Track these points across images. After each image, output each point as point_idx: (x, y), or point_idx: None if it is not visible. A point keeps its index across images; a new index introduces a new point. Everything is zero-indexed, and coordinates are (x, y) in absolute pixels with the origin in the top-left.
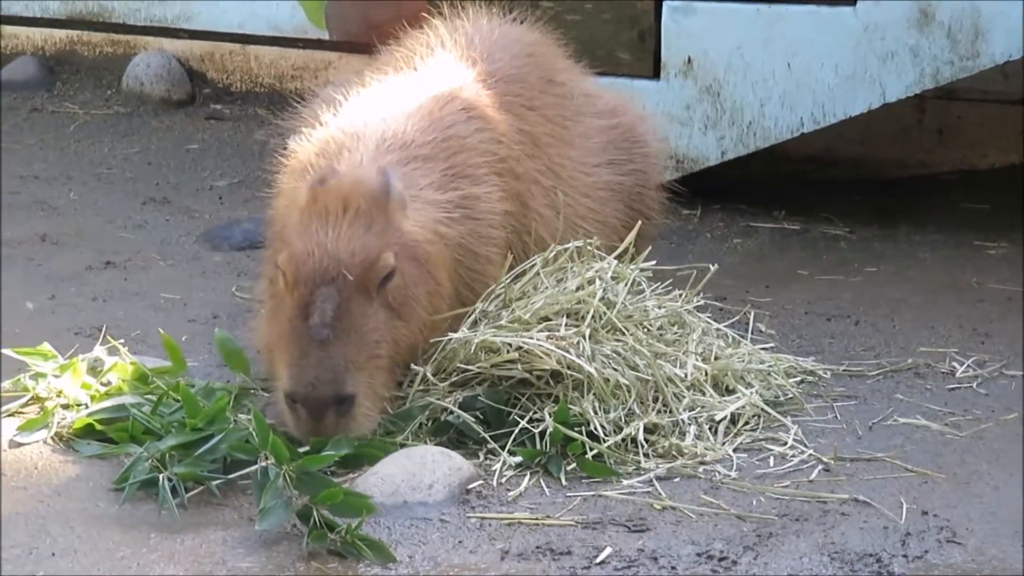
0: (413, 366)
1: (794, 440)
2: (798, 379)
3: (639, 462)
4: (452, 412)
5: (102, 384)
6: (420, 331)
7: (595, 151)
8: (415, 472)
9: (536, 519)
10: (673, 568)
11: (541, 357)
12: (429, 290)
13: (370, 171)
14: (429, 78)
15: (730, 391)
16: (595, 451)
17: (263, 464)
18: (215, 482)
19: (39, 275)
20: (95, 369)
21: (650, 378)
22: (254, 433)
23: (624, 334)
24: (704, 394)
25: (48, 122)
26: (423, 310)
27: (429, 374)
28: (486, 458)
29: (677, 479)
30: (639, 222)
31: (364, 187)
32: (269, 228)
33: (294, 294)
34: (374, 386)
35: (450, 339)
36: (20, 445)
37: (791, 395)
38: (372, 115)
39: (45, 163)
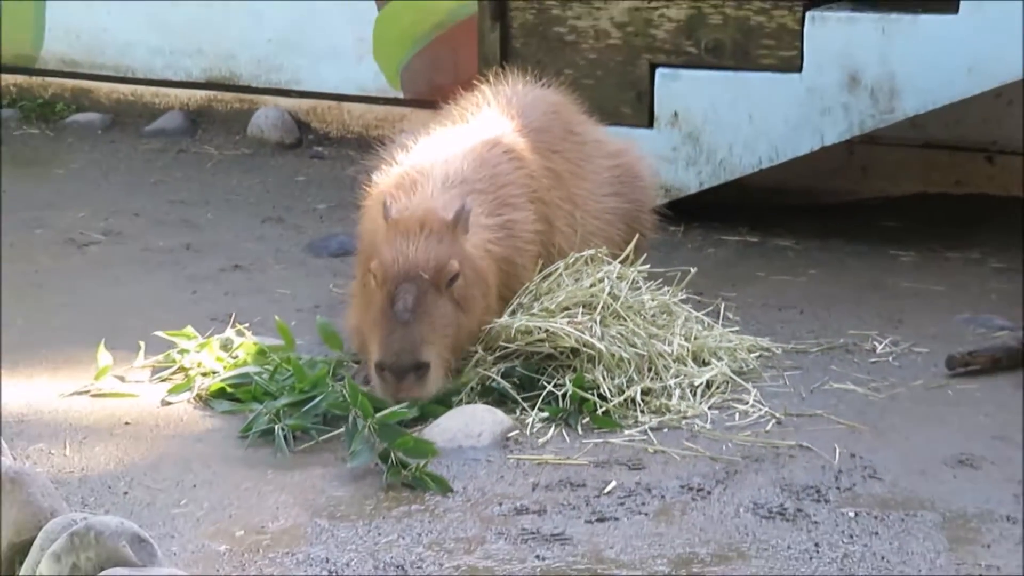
0: (470, 347)
1: (754, 400)
2: (757, 354)
3: (637, 417)
4: (495, 380)
5: (232, 358)
6: (476, 320)
7: (603, 184)
8: (468, 424)
9: (559, 460)
10: (663, 496)
11: (563, 337)
12: (482, 291)
13: (440, 202)
14: (479, 128)
15: (706, 363)
16: (604, 408)
17: (353, 418)
18: (317, 433)
19: (183, 275)
20: (226, 346)
21: (645, 353)
22: (347, 395)
23: (626, 320)
24: (686, 365)
25: (191, 160)
26: (478, 305)
27: (480, 350)
28: (521, 414)
29: (666, 430)
30: (636, 236)
31: (435, 214)
32: (358, 240)
33: (383, 289)
34: (442, 359)
35: (495, 324)
36: (170, 404)
37: (752, 366)
38: (437, 156)
39: (189, 191)
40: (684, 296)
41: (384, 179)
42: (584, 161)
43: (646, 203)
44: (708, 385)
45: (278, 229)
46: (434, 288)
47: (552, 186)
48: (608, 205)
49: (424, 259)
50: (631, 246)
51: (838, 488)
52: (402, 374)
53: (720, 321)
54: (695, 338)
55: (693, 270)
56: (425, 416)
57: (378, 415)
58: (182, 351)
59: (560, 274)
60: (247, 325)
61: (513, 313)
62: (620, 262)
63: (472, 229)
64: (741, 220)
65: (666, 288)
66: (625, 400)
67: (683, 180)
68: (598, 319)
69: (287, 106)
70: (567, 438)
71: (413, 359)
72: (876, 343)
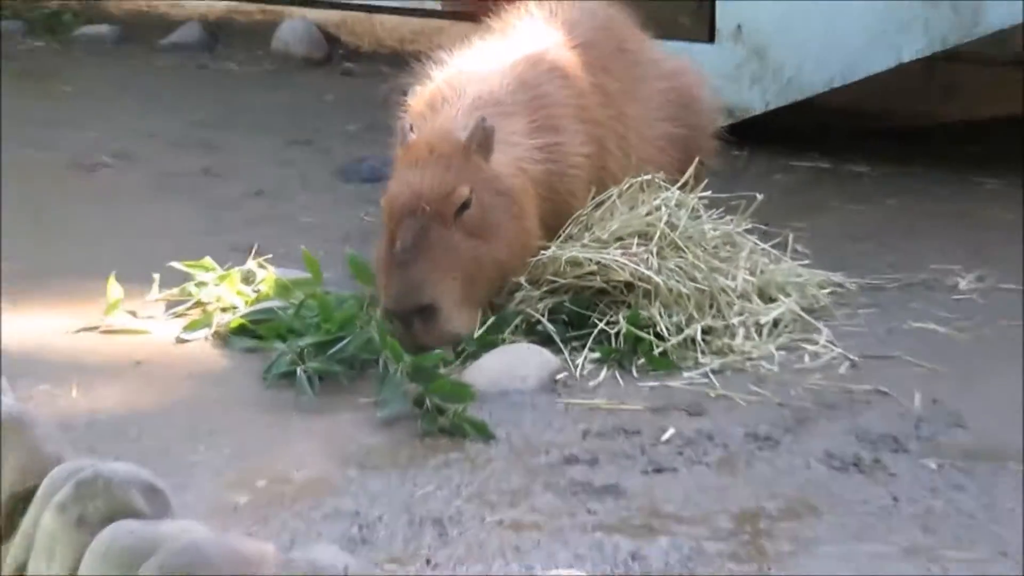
0: (511, 278)
1: (826, 341)
2: (829, 291)
3: (697, 358)
4: (540, 318)
5: (253, 291)
6: (506, 248)
7: (658, 107)
8: (512, 365)
9: (612, 405)
10: (725, 446)
11: (617, 270)
12: (513, 215)
13: (460, 123)
14: (522, 44)
15: (772, 300)
16: (661, 348)
17: (384, 361)
18: (345, 377)
19: (202, 202)
20: (248, 279)
21: (706, 288)
22: (377, 336)
23: (685, 252)
24: (751, 302)
25: (210, 77)
26: (507, 231)
27: (525, 284)
28: (571, 354)
29: (728, 372)
30: (696, 160)
31: (448, 136)
32: (392, 166)
33: (387, 227)
34: (456, 296)
35: (543, 256)
36: (186, 342)
37: (823, 304)
38: (473, 74)
39: (207, 111)
40: (749, 226)
41: (417, 98)
42: (638, 81)
43: (706, 128)
44: (775, 324)
45: (305, 152)
46: (439, 221)
47: (603, 105)
48: (663, 130)
49: (428, 188)
50: (690, 170)
51: (918, 437)
52: (406, 319)
53: (788, 254)
54: (761, 272)
55: (759, 197)
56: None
57: (413, 359)
58: (199, 284)
59: (613, 201)
60: (270, 257)
61: (563, 244)
62: (679, 188)
63: (503, 148)
64: (812, 145)
65: (729, 217)
66: (684, 339)
67: (747, 100)
68: (655, 250)
69: (314, 18)
70: (621, 381)
71: (412, 302)
72: (959, 279)
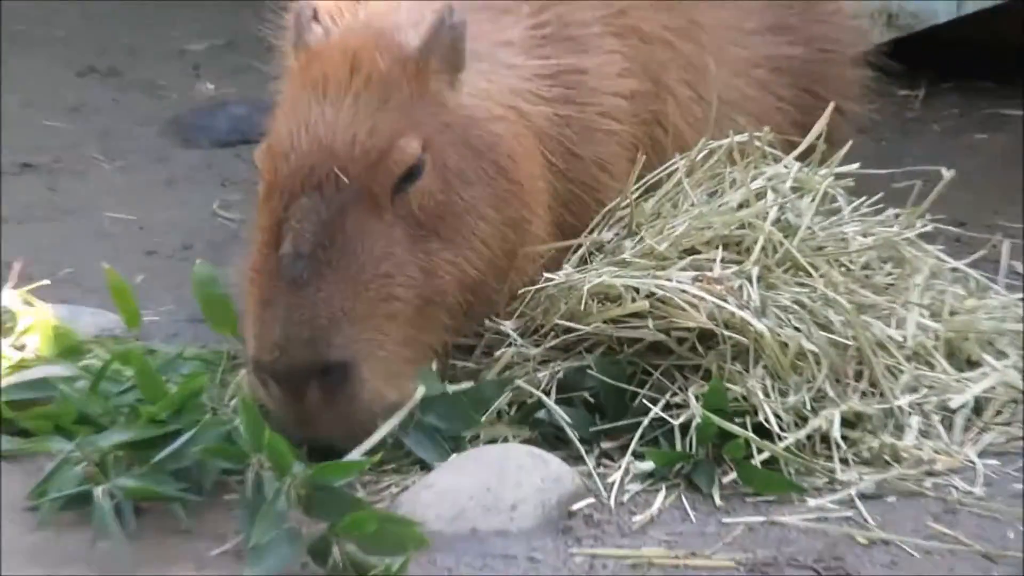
0: (490, 319)
1: None
2: None
3: (833, 471)
4: (545, 396)
5: (15, 348)
6: (480, 257)
7: (755, 11)
8: (491, 484)
9: (676, 558)
10: None
11: (684, 309)
12: (497, 193)
13: (405, 17)
14: None
15: (972, 363)
16: (766, 454)
17: (256, 474)
18: (184, 505)
19: None
20: (5, 325)
21: (851, 342)
22: (242, 428)
23: (811, 275)
24: (933, 368)
25: None
26: (486, 224)
27: (512, 332)
28: (599, 463)
29: (891, 498)
30: (829, 106)
31: (384, 39)
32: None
33: (267, 207)
34: (389, 347)
35: (550, 283)
36: None
37: None
38: None
39: None
40: (929, 227)
41: None
42: None
43: (843, 48)
44: (977, 408)
45: (110, 90)
46: (363, 200)
47: (659, 10)
48: (762, 52)
49: (345, 139)
50: (819, 124)
51: None
52: (295, 384)
53: (1001, 278)
54: (952, 313)
55: (947, 174)
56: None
57: (306, 470)
58: None
59: (679, 181)
60: (45, 284)
61: (584, 261)
62: (799, 158)
63: (486, 69)
64: None
65: (892, 212)
66: (809, 437)
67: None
68: (755, 274)
69: None
70: (692, 514)
71: (310, 355)
72: None
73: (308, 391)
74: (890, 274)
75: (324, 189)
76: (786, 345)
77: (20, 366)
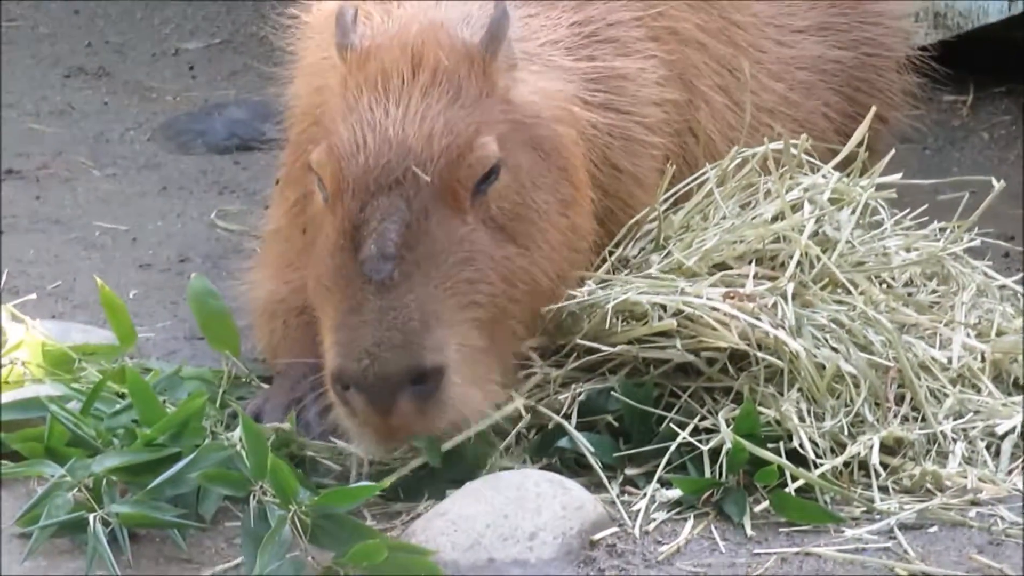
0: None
1: None
2: None
3: (872, 500)
4: (563, 429)
5: (5, 362)
6: (552, 265)
7: (798, 10)
8: (508, 512)
9: None
10: None
11: (714, 328)
12: (564, 198)
13: (457, 11)
14: None
15: (1021, 387)
16: (801, 481)
17: (258, 502)
18: (182, 532)
19: None
20: None
21: (892, 364)
22: (244, 452)
23: (850, 292)
24: (979, 391)
25: None
26: (556, 232)
27: (532, 353)
28: (623, 490)
29: (933, 528)
30: (871, 112)
31: (445, 34)
32: (286, 116)
33: (337, 210)
34: (475, 354)
35: (572, 300)
36: None
37: None
38: None
39: None
40: (976, 242)
41: None
42: None
43: (889, 51)
44: None
45: (100, 92)
46: (446, 200)
47: (696, 10)
48: (805, 53)
49: (422, 137)
50: (860, 131)
51: None
52: (387, 395)
53: None
54: (999, 333)
55: (998, 185)
56: (418, 487)
57: (312, 497)
58: None
59: (710, 192)
60: (34, 297)
61: (610, 275)
62: (838, 168)
63: (534, 68)
64: None
65: (937, 225)
66: (847, 464)
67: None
68: (790, 291)
69: None
70: (721, 544)
71: (406, 361)
72: None
73: (399, 401)
74: (934, 291)
75: (402, 188)
76: (823, 367)
77: (9, 385)
